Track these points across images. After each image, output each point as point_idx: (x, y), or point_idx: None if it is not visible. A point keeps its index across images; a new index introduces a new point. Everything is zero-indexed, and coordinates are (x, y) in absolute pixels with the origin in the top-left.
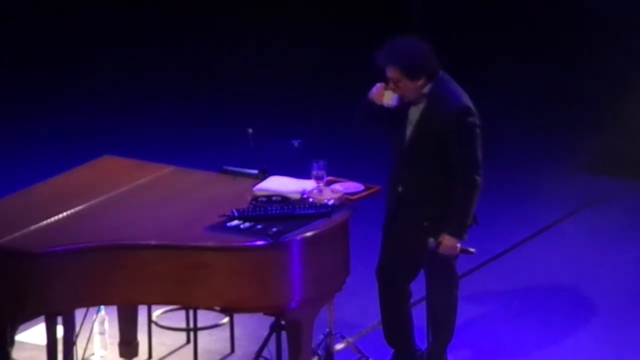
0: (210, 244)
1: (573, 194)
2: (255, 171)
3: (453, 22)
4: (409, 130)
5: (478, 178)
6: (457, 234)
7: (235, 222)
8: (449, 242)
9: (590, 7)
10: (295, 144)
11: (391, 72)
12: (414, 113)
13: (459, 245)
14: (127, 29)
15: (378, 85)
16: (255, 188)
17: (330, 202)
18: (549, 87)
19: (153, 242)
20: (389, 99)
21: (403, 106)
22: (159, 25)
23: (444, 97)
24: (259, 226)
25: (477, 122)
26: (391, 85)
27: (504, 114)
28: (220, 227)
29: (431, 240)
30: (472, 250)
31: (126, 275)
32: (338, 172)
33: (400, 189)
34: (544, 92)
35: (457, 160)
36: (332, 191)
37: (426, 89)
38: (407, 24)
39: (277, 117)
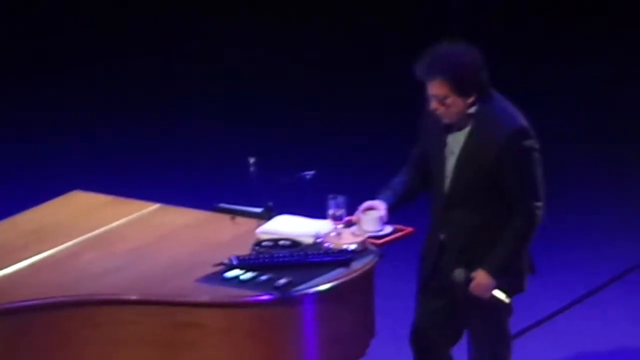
0: (203, 298)
1: None
2: (259, 209)
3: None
4: (450, 162)
5: (538, 212)
6: (496, 273)
7: (235, 272)
8: (483, 280)
9: None
10: (308, 176)
11: (436, 88)
12: (456, 140)
13: (493, 288)
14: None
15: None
16: (258, 230)
17: (351, 248)
18: (623, 98)
19: (133, 297)
20: (370, 225)
21: (437, 134)
22: (142, 32)
23: (494, 118)
24: (263, 277)
25: (536, 145)
26: (435, 103)
27: (565, 136)
28: (216, 278)
29: (459, 271)
30: (505, 299)
31: (100, 337)
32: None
33: (442, 236)
34: (616, 106)
35: (512, 192)
36: (353, 234)
37: (472, 109)
38: (444, 29)
39: (284, 143)
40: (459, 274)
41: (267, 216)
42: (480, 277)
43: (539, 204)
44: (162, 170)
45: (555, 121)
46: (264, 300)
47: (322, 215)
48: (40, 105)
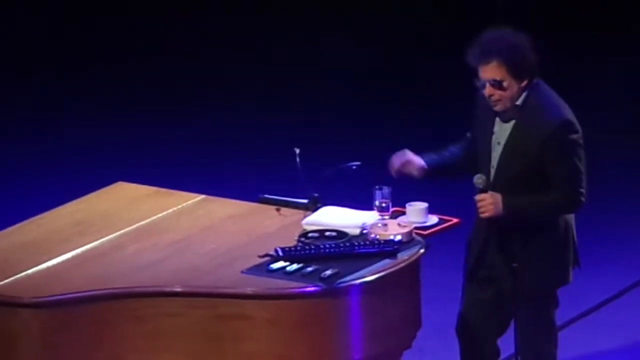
0: (249, 290)
1: None
2: (305, 200)
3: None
4: (496, 151)
5: (582, 198)
6: (510, 206)
7: (280, 264)
8: (496, 200)
9: None
10: (354, 167)
11: (492, 71)
12: (503, 130)
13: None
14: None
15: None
16: (304, 221)
17: (397, 238)
18: None
19: (177, 289)
20: (416, 215)
21: (485, 124)
22: (177, 27)
23: (541, 109)
24: (309, 268)
25: (581, 141)
26: (488, 89)
27: (610, 129)
28: (261, 269)
29: (479, 176)
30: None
31: (143, 330)
32: (407, 201)
33: (487, 223)
34: None
35: (556, 182)
36: (399, 224)
37: (520, 100)
38: (488, 22)
39: (330, 133)
40: (479, 178)
41: (312, 207)
42: (496, 197)
43: (583, 190)
44: (207, 161)
45: (598, 114)
46: (310, 292)
47: (368, 207)
48: (83, 97)
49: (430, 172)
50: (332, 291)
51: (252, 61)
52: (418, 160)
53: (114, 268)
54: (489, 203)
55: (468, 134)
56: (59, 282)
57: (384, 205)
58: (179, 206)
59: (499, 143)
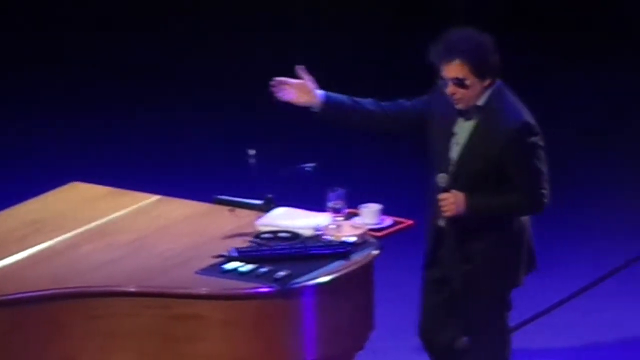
0: (203, 290)
1: None
2: (259, 201)
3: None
4: (454, 151)
5: (544, 200)
6: (472, 205)
7: (234, 264)
8: (458, 198)
9: None
10: (308, 168)
11: (456, 70)
12: (463, 129)
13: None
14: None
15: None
16: (258, 222)
17: (351, 240)
18: (626, 94)
19: (131, 289)
20: (370, 217)
21: (445, 122)
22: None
23: (502, 111)
24: (263, 269)
25: (541, 143)
26: (451, 88)
27: (565, 130)
28: (216, 270)
29: (442, 175)
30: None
31: (98, 330)
32: (360, 202)
33: (441, 222)
34: (618, 101)
35: (518, 184)
36: (353, 226)
37: (481, 101)
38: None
39: (285, 134)
40: (441, 177)
41: (266, 208)
42: (458, 196)
43: (545, 191)
44: (161, 161)
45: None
46: (264, 293)
47: (322, 208)
48: (37, 97)
49: (326, 106)
50: (285, 292)
51: (207, 59)
52: (313, 86)
53: (68, 268)
54: (451, 202)
55: (400, 101)
56: (13, 282)
57: (337, 206)
58: (134, 206)
59: (458, 143)
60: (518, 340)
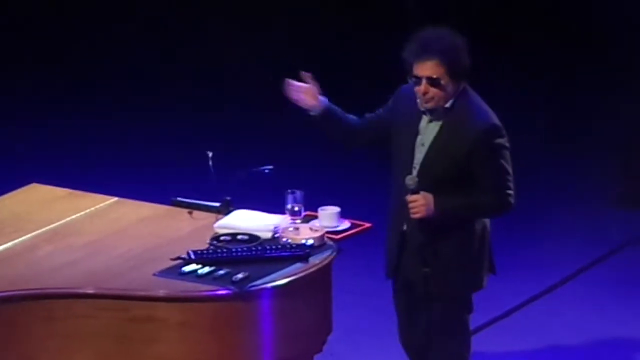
0: (160, 293)
1: (610, 231)
2: (216, 204)
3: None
4: (419, 152)
5: (511, 200)
6: (441, 207)
7: (192, 267)
8: (427, 200)
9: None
10: (266, 170)
11: (431, 69)
12: (428, 132)
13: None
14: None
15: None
16: (216, 225)
17: (309, 243)
18: (580, 102)
19: (89, 290)
20: (328, 220)
21: (408, 123)
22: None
23: (468, 114)
24: (220, 271)
25: (508, 144)
26: (424, 86)
27: (524, 135)
28: (173, 272)
29: (411, 177)
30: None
31: (56, 332)
32: (319, 205)
33: (404, 227)
34: (574, 109)
35: (484, 185)
36: (311, 229)
37: (448, 103)
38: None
39: (243, 137)
40: (410, 179)
41: (224, 210)
42: (428, 197)
43: (511, 192)
44: (119, 163)
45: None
46: (221, 295)
47: (280, 210)
48: None
49: (325, 112)
50: (243, 294)
51: (166, 62)
52: (318, 92)
53: (26, 269)
54: (421, 204)
55: (367, 115)
56: None
57: (296, 209)
58: (92, 208)
59: (422, 145)
60: (479, 343)
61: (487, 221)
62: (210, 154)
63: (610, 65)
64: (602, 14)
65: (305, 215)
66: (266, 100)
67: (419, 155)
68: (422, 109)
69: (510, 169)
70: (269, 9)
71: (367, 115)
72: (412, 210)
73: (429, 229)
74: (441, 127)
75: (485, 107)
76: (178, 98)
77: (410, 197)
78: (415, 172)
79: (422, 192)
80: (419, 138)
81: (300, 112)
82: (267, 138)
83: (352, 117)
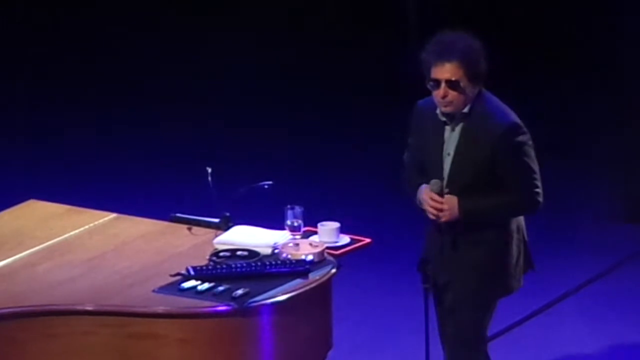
0: (159, 309)
1: (612, 245)
2: (216, 220)
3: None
4: (446, 162)
5: (539, 198)
6: (465, 209)
7: (192, 283)
8: (452, 204)
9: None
10: (266, 186)
11: (451, 71)
12: (452, 140)
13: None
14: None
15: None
16: (215, 240)
17: (309, 258)
18: (583, 114)
19: (89, 307)
20: (328, 235)
21: (433, 135)
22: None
23: (488, 115)
24: (220, 287)
25: (530, 142)
26: (443, 89)
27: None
28: (173, 288)
29: (435, 181)
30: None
31: (55, 348)
32: (318, 220)
33: (441, 234)
34: (576, 121)
35: (512, 185)
36: (311, 244)
37: (466, 108)
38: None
39: (243, 152)
40: (434, 184)
41: (224, 226)
42: (452, 201)
43: (538, 190)
44: (119, 179)
45: None
46: (221, 311)
47: (280, 226)
48: None
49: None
50: (243, 311)
51: (167, 75)
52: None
53: (25, 286)
54: (446, 208)
55: (405, 157)
56: None
57: (295, 224)
58: (91, 224)
59: (448, 154)
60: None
61: (521, 218)
62: (210, 170)
63: (620, 80)
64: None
65: (304, 231)
66: (266, 116)
67: (446, 165)
68: (441, 117)
69: (535, 167)
70: (276, 22)
71: (409, 157)
72: (437, 214)
73: (462, 232)
74: (462, 134)
75: (502, 106)
76: (177, 113)
77: (434, 203)
78: (445, 182)
79: (446, 196)
80: (444, 148)
81: (298, 129)
82: (266, 154)
83: (417, 173)
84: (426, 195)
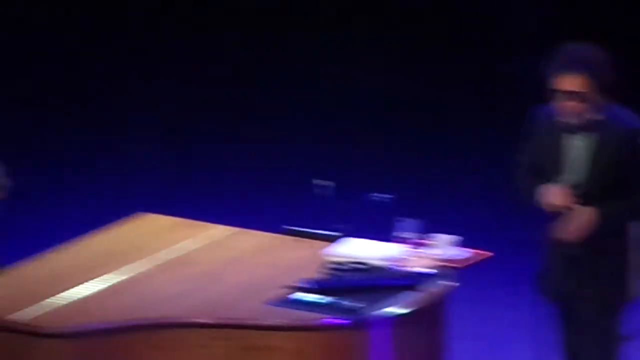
0: (274, 322)
1: None
2: (328, 232)
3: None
4: (576, 174)
5: None
6: (602, 216)
7: (304, 295)
8: (588, 216)
9: None
10: (384, 199)
11: (578, 83)
12: (577, 149)
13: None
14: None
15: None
16: (327, 253)
17: (424, 271)
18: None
19: (203, 320)
20: (445, 248)
21: (553, 141)
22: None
23: (617, 120)
24: (333, 300)
25: None
26: (570, 101)
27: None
28: (285, 301)
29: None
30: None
31: None
32: (434, 233)
33: (567, 247)
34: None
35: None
36: (428, 257)
37: (594, 116)
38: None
39: (357, 164)
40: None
41: (336, 239)
42: (587, 213)
43: None
44: (231, 193)
45: None
46: (337, 324)
47: (393, 238)
48: (107, 129)
49: None
50: (359, 323)
51: (284, 91)
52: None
53: (140, 299)
54: (584, 220)
55: (518, 158)
56: (86, 313)
57: (411, 237)
58: (204, 237)
59: (577, 164)
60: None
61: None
62: (324, 183)
63: None
64: None
65: (422, 243)
66: (381, 126)
67: (572, 169)
68: (566, 126)
69: None
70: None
71: (523, 162)
72: (574, 234)
73: (584, 243)
74: (593, 141)
75: (624, 111)
76: (293, 126)
77: (572, 224)
78: (579, 192)
79: (576, 211)
80: (570, 153)
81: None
82: (386, 167)
83: (532, 176)
84: (575, 221)
